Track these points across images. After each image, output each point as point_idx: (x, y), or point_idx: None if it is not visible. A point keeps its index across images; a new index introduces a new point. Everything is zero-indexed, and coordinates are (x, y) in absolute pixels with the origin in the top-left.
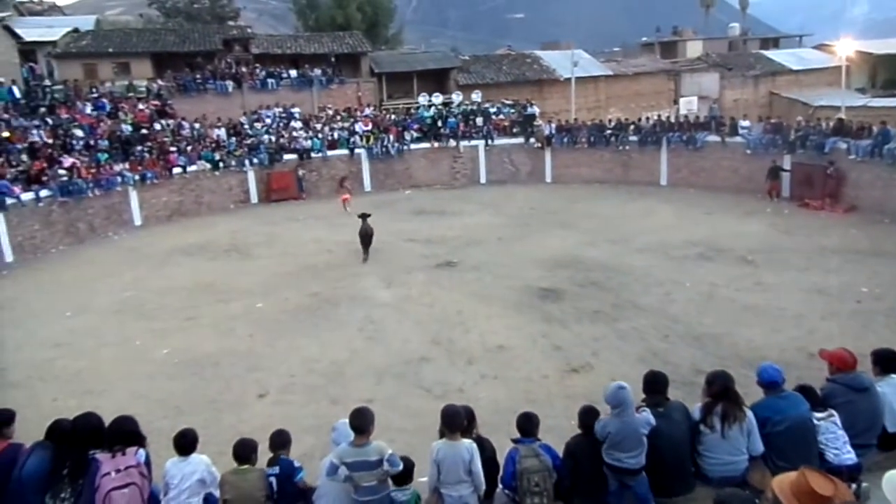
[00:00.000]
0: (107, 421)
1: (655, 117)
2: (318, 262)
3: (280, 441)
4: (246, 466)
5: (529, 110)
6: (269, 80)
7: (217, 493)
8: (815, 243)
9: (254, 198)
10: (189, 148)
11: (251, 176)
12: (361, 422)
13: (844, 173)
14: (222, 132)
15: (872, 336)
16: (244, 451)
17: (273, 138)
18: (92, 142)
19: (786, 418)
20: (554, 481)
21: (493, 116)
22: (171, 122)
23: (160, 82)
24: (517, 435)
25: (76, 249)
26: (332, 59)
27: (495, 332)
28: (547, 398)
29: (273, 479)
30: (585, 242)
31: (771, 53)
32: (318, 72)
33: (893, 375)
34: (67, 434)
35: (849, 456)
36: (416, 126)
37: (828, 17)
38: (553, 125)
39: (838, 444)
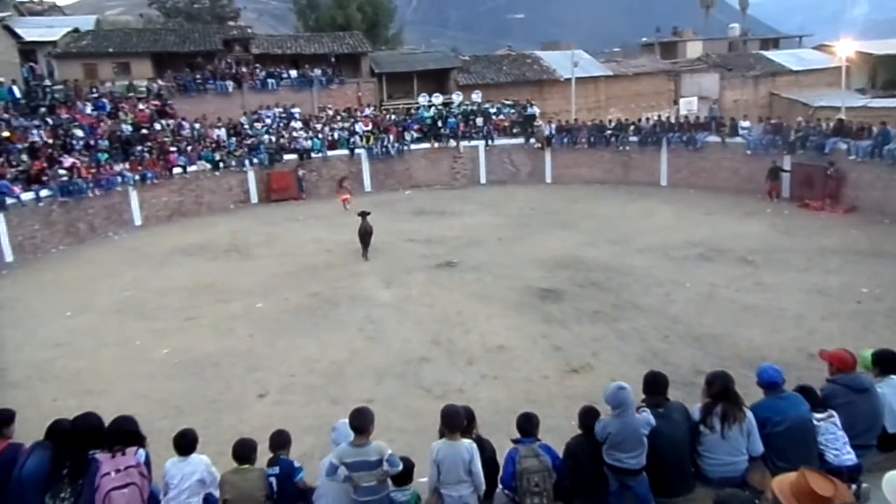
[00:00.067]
0: (107, 421)
1: (655, 118)
2: (318, 263)
3: (280, 441)
4: (246, 466)
5: (529, 111)
6: (270, 81)
7: (217, 494)
8: (815, 244)
9: (254, 198)
10: (189, 148)
11: (251, 176)
12: (361, 422)
13: (844, 174)
14: (222, 132)
15: (872, 337)
16: (244, 451)
17: (273, 138)
18: (92, 142)
19: (786, 419)
20: (554, 481)
21: (494, 117)
22: (171, 122)
23: (160, 82)
24: (517, 435)
25: (76, 249)
26: (333, 60)
27: (495, 333)
28: (547, 398)
29: (273, 480)
30: (585, 243)
31: (771, 54)
32: (318, 72)
33: (893, 376)
34: (67, 434)
35: (849, 457)
36: (416, 126)
37: (828, 18)
38: (553, 125)
39: (838, 445)
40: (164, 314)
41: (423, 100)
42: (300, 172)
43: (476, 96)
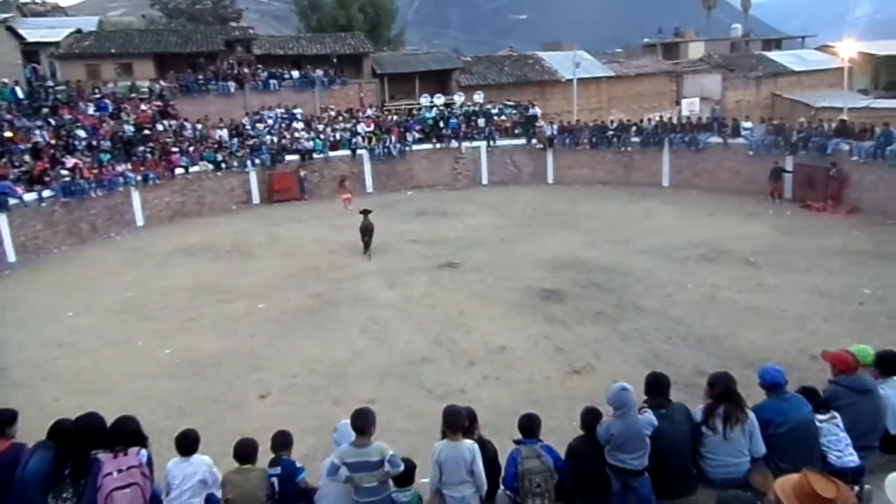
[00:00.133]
0: (109, 421)
1: (657, 118)
2: (320, 263)
3: (282, 441)
4: (248, 466)
5: (531, 111)
6: (272, 81)
7: (219, 494)
8: (818, 245)
9: (255, 198)
10: (191, 149)
11: (253, 177)
12: (363, 422)
13: (847, 175)
14: (224, 133)
15: (875, 338)
16: (245, 452)
17: (275, 139)
18: (94, 142)
19: (788, 420)
20: (555, 482)
21: (495, 117)
22: (173, 122)
23: (162, 83)
24: (519, 436)
25: (78, 250)
26: (334, 60)
27: (497, 333)
28: (549, 399)
29: (275, 480)
30: (587, 243)
31: (773, 55)
32: (319, 73)
33: (895, 377)
34: (69, 434)
35: (851, 458)
36: (417, 127)
37: (830, 19)
38: (555, 126)
39: (840, 447)
40: (165, 314)
41: (424, 100)
42: (302, 173)
43: (478, 97)
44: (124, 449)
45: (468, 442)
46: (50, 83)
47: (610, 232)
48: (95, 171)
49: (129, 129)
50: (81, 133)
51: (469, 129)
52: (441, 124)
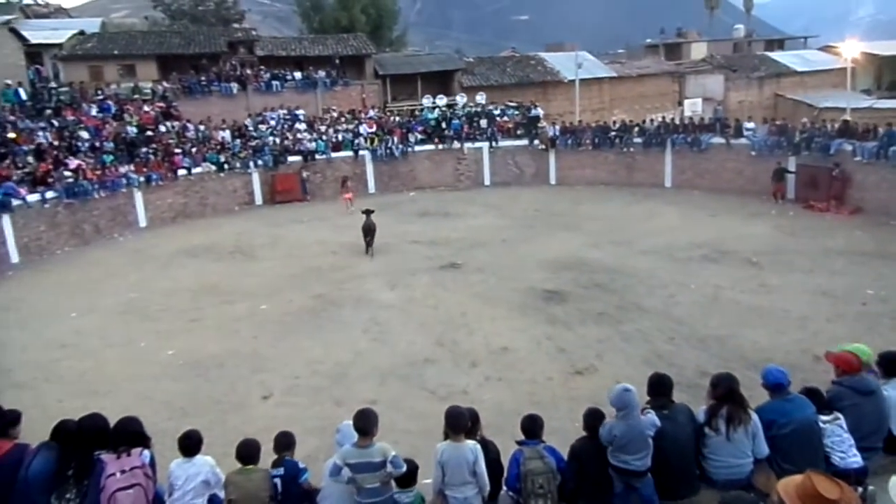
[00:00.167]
0: (112, 422)
1: (660, 119)
2: (323, 264)
3: (285, 442)
4: (250, 467)
5: (534, 112)
6: (274, 82)
7: (221, 495)
8: (820, 245)
9: (258, 199)
10: (194, 150)
11: (255, 178)
12: (365, 423)
13: (850, 175)
14: (227, 134)
15: (878, 338)
16: (248, 452)
17: (277, 140)
18: (97, 143)
19: (791, 421)
20: (558, 483)
21: (498, 118)
22: (176, 123)
23: (165, 84)
24: (521, 437)
25: (81, 251)
26: (337, 61)
27: (499, 334)
28: (551, 400)
29: (278, 480)
30: (590, 244)
31: (776, 55)
32: (322, 74)
33: None
34: (73, 435)
35: (855, 459)
36: (420, 128)
37: (833, 19)
38: (557, 127)
39: (844, 448)
40: (168, 315)
41: (427, 101)
42: (304, 174)
43: (480, 98)
44: (127, 450)
45: (470, 443)
46: (53, 84)
47: (612, 233)
48: (98, 172)
49: (132, 130)
50: (84, 134)
51: (471, 130)
52: (443, 125)
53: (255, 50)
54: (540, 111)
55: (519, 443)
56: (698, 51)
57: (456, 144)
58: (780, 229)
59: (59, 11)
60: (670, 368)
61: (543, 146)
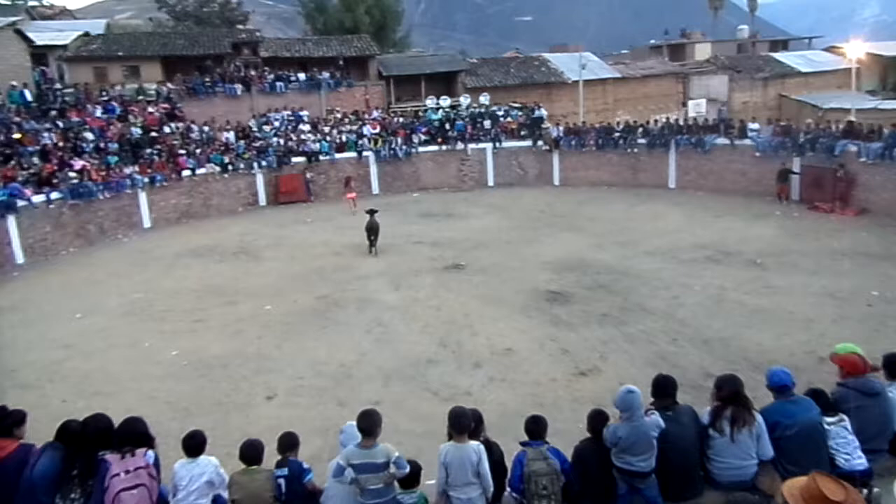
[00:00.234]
0: (116, 422)
1: (664, 120)
2: (326, 265)
3: (289, 442)
4: (254, 467)
5: (537, 113)
6: (278, 83)
7: (225, 495)
8: (825, 246)
9: (262, 200)
10: (198, 151)
11: (259, 178)
12: (368, 424)
13: (854, 176)
14: (231, 135)
15: (883, 340)
16: (252, 453)
17: (281, 141)
18: (102, 144)
19: (796, 423)
20: (562, 484)
21: (501, 119)
22: (180, 124)
23: (170, 85)
24: (525, 438)
25: (86, 251)
26: (341, 62)
27: (503, 335)
28: (555, 401)
29: (282, 481)
30: (593, 245)
31: (780, 56)
32: (326, 75)
33: None
34: (77, 435)
35: (860, 461)
36: (423, 129)
37: (837, 19)
38: (561, 128)
39: (849, 450)
40: (172, 316)
41: (430, 102)
42: (308, 175)
43: (484, 99)
44: (132, 450)
45: (474, 443)
46: (58, 86)
47: (616, 234)
48: (103, 173)
49: (137, 131)
50: (89, 135)
51: (475, 131)
52: (447, 126)
53: (260, 51)
54: (543, 112)
55: (522, 444)
56: (702, 51)
57: (459, 145)
58: (785, 230)
59: (64, 13)
60: (674, 370)
61: (547, 147)
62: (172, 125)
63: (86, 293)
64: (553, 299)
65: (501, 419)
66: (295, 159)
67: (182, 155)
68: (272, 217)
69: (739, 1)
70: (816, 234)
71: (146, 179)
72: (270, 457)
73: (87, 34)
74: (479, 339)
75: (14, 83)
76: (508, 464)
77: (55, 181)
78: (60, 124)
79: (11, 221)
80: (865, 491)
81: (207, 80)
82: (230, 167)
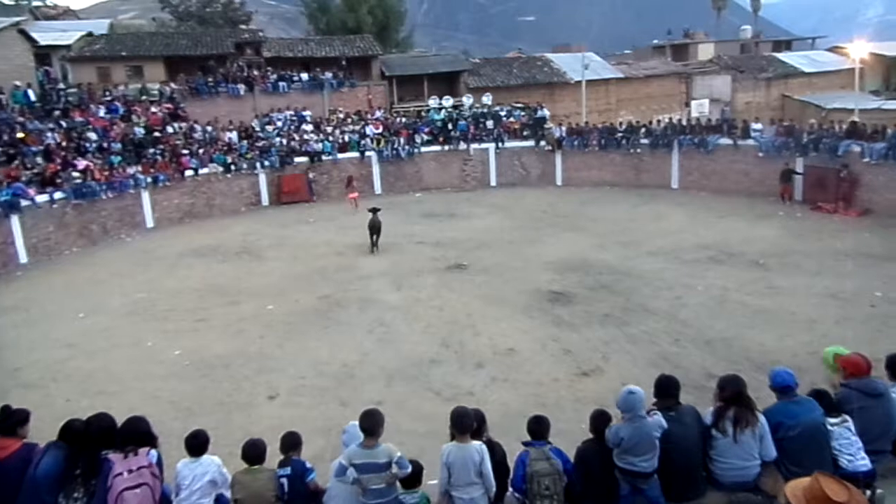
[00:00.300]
0: (119, 421)
1: (667, 120)
2: (329, 265)
3: (292, 442)
4: (257, 466)
5: (540, 113)
6: (281, 84)
7: (228, 494)
8: (828, 247)
9: (265, 200)
10: (201, 150)
11: (262, 178)
12: (371, 424)
13: (858, 176)
14: (234, 135)
15: (887, 341)
16: (254, 452)
17: (284, 141)
18: (105, 144)
19: (799, 423)
20: (564, 485)
21: (504, 119)
22: (183, 124)
23: (173, 85)
24: (527, 438)
25: (89, 251)
26: (343, 63)
27: (505, 336)
28: (557, 402)
29: (284, 480)
30: (596, 245)
31: (783, 56)
32: (329, 75)
33: None
34: (80, 434)
35: (863, 462)
36: (426, 129)
37: (841, 20)
38: (564, 128)
39: (852, 450)
40: (175, 316)
41: (433, 102)
42: (311, 175)
43: (486, 99)
44: (135, 449)
45: (476, 443)
46: (62, 86)
47: (619, 234)
48: (106, 173)
49: (140, 131)
50: (92, 135)
51: (477, 131)
52: (449, 126)
53: (262, 51)
54: (546, 112)
55: (525, 444)
56: (705, 52)
57: (462, 145)
58: (788, 231)
59: (68, 13)
60: (677, 370)
61: (550, 147)
62: (175, 125)
63: (89, 293)
64: (555, 299)
65: (504, 419)
66: (298, 159)
67: (185, 155)
68: (275, 217)
69: (743, 1)
70: (819, 235)
71: (149, 179)
72: (273, 456)
73: (90, 34)
74: (482, 340)
75: (18, 83)
76: (511, 464)
77: (58, 181)
78: (64, 124)
79: (15, 221)
80: (868, 492)
81: (210, 80)
82: (233, 167)
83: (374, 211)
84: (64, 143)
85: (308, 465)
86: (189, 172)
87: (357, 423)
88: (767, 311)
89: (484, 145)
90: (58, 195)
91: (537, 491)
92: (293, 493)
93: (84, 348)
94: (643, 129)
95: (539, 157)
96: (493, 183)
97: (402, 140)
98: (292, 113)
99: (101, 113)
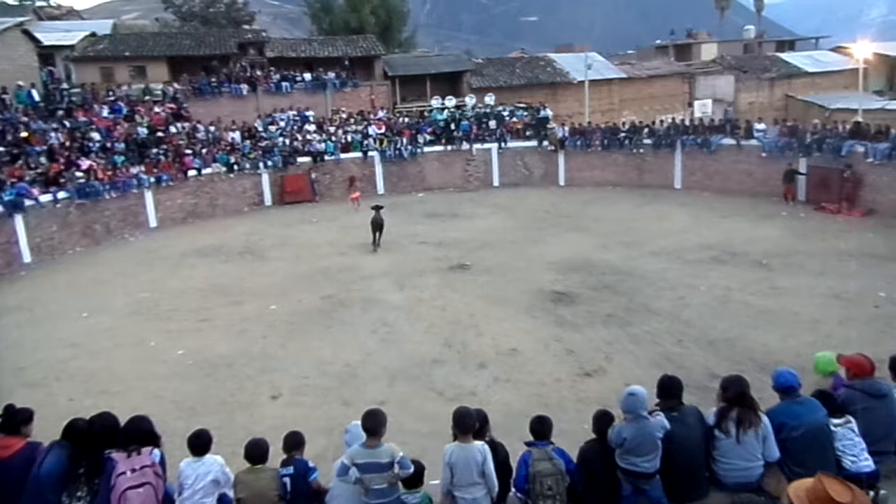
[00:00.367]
0: (122, 421)
1: (669, 120)
2: (331, 265)
3: (294, 441)
4: (260, 466)
5: (543, 113)
6: (284, 84)
7: (231, 494)
8: (832, 247)
9: (268, 200)
10: (204, 150)
11: (265, 178)
12: (373, 423)
13: (861, 176)
14: (237, 135)
15: (890, 341)
16: (257, 452)
17: (287, 141)
18: (108, 144)
19: (802, 424)
20: (567, 485)
21: (507, 119)
22: (186, 124)
23: (176, 85)
24: (530, 438)
25: (93, 251)
26: (346, 63)
27: (508, 336)
28: (559, 402)
29: (287, 480)
30: (599, 246)
31: (787, 56)
32: (331, 75)
33: None
34: (84, 433)
35: (866, 463)
36: (429, 129)
37: (844, 20)
38: (566, 128)
39: (855, 451)
40: (178, 315)
41: (436, 102)
42: (313, 175)
43: (489, 99)
44: (138, 448)
45: (479, 443)
46: (65, 86)
47: (621, 234)
48: (109, 172)
49: (143, 131)
50: (96, 135)
51: (480, 131)
52: (452, 126)
53: (265, 51)
54: (549, 112)
55: (527, 444)
56: (708, 52)
57: (465, 145)
58: (791, 231)
59: (71, 13)
60: (679, 370)
61: (552, 147)
62: (178, 125)
63: (92, 292)
64: (558, 300)
65: (506, 419)
66: (300, 159)
67: (188, 155)
68: (277, 217)
69: (746, 1)
70: (823, 235)
71: (152, 179)
72: (276, 456)
73: (93, 34)
74: (484, 340)
75: (21, 83)
76: (513, 464)
77: (62, 181)
78: (67, 124)
79: (19, 221)
80: (872, 493)
81: (213, 80)
82: (236, 167)
83: (377, 208)
84: (67, 143)
85: (311, 464)
86: (192, 172)
87: (359, 422)
88: (770, 312)
89: (487, 145)
90: (61, 195)
91: (540, 491)
92: (296, 493)
93: (87, 348)
94: (646, 130)
95: (542, 157)
96: (495, 183)
97: (404, 140)
98: (295, 113)
99: (105, 113)
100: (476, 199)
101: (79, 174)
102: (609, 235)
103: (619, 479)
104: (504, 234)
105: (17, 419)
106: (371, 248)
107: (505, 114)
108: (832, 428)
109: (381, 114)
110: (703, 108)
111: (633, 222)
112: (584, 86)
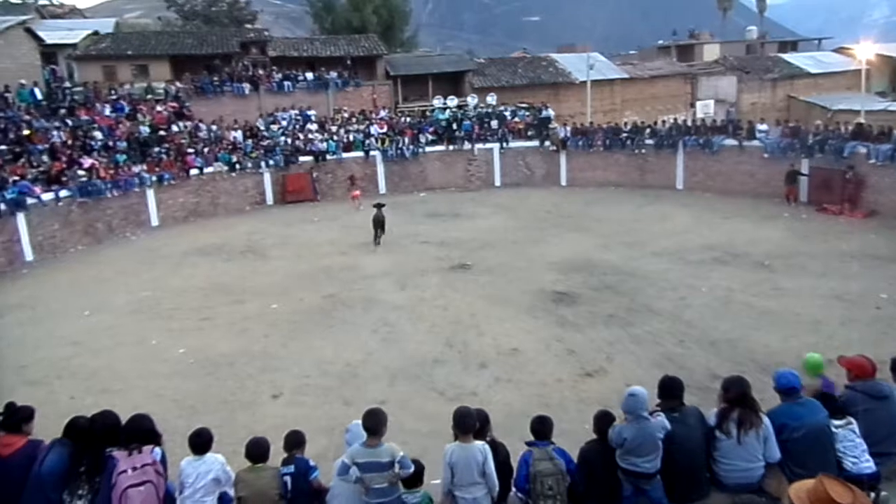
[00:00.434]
0: (123, 419)
1: (672, 120)
2: (333, 264)
3: (295, 440)
4: (261, 465)
5: (545, 113)
6: (286, 83)
7: (231, 492)
8: (834, 248)
9: (269, 199)
10: (206, 149)
11: (267, 177)
12: (374, 423)
13: (863, 178)
14: (239, 134)
15: (892, 343)
16: (258, 451)
17: (289, 140)
18: (111, 143)
19: (803, 425)
20: (567, 485)
21: (508, 119)
22: (188, 123)
23: (178, 84)
24: (531, 438)
25: (94, 249)
26: (348, 62)
27: (509, 336)
28: (560, 402)
29: (288, 478)
30: (600, 246)
31: (789, 57)
32: (333, 74)
33: None
34: (85, 432)
35: (867, 464)
36: (431, 129)
37: (847, 21)
38: (568, 128)
39: (857, 453)
40: (180, 314)
41: (438, 102)
42: (315, 174)
43: (491, 99)
44: (139, 447)
45: (479, 443)
46: (67, 84)
47: (623, 234)
48: (111, 171)
49: (145, 129)
50: (98, 134)
51: (482, 131)
52: (454, 126)
53: (268, 50)
54: (551, 112)
55: (528, 444)
56: (711, 52)
57: (467, 145)
58: (793, 232)
59: (74, 12)
60: (681, 371)
61: (554, 147)
62: (180, 124)
63: (94, 291)
64: (559, 300)
65: (507, 419)
66: (302, 158)
67: (190, 154)
68: (279, 216)
69: (748, 2)
70: (825, 236)
71: (154, 178)
72: (276, 455)
73: (96, 33)
74: (486, 340)
75: (24, 81)
76: (514, 464)
77: (64, 179)
78: (69, 122)
79: (21, 219)
80: (873, 494)
81: (216, 79)
82: (238, 166)
83: (379, 206)
84: (70, 142)
85: (311, 463)
86: (194, 171)
87: (360, 422)
88: (772, 313)
89: (488, 145)
90: (63, 193)
91: (540, 491)
92: (296, 492)
93: (89, 346)
94: (648, 130)
95: (543, 157)
96: (497, 183)
97: (406, 140)
98: (297, 112)
99: (107, 111)
100: (478, 198)
101: (81, 173)
102: (611, 236)
103: (619, 480)
104: (505, 234)
105: (19, 417)
106: (372, 245)
107: (507, 114)
108: (833, 429)
109: (382, 113)
110: (706, 109)
111: (635, 223)
112: (586, 86)
